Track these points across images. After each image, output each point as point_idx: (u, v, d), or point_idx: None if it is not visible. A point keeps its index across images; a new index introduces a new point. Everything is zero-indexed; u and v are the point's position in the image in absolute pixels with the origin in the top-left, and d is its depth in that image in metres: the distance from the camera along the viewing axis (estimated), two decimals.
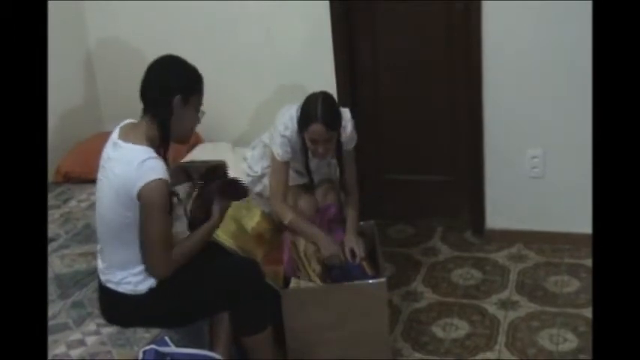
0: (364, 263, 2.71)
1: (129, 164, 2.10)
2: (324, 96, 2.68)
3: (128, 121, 2.27)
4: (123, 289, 2.24)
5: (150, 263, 2.19)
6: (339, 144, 2.78)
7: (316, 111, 2.60)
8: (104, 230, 2.26)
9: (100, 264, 2.32)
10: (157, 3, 3.62)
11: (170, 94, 2.16)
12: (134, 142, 2.15)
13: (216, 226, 2.36)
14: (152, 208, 2.11)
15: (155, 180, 2.08)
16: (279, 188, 2.77)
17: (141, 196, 2.10)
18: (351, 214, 2.85)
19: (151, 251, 2.17)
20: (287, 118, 2.75)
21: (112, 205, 2.16)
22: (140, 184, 2.08)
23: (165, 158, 2.19)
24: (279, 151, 2.75)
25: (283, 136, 2.74)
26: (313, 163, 2.88)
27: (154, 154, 2.13)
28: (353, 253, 2.71)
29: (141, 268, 2.23)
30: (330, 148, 2.70)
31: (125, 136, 2.19)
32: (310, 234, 2.72)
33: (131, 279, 2.23)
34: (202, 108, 2.27)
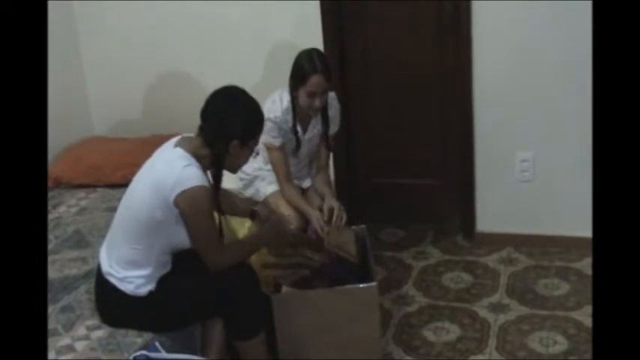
0: (348, 250, 2.71)
1: (170, 164, 2.17)
2: (317, 51, 2.78)
3: (187, 135, 2.31)
4: (124, 287, 2.24)
5: (208, 264, 2.24)
6: (326, 125, 2.85)
7: (314, 64, 2.69)
8: (126, 223, 2.26)
9: (104, 257, 2.31)
10: (149, 5, 3.61)
11: (228, 139, 2.22)
12: (182, 149, 2.21)
13: (269, 235, 2.49)
14: (198, 214, 2.16)
15: (195, 187, 2.13)
16: (282, 172, 2.84)
17: (180, 202, 2.13)
18: (326, 183, 2.94)
19: (206, 254, 2.23)
20: (268, 102, 2.80)
21: (143, 198, 2.19)
22: (178, 189, 2.12)
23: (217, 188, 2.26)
24: (268, 139, 2.80)
25: (267, 119, 2.77)
26: (303, 155, 2.94)
27: (196, 162, 2.19)
28: (331, 215, 2.77)
29: (147, 271, 2.23)
30: (323, 100, 2.76)
31: (179, 143, 2.25)
32: (303, 209, 2.81)
33: (134, 280, 2.23)
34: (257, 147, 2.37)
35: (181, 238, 2.21)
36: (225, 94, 2.28)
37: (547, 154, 3.29)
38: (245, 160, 2.35)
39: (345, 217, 2.80)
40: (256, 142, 2.33)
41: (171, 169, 2.15)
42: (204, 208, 2.17)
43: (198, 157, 2.21)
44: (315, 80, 2.68)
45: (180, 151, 2.20)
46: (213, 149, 2.22)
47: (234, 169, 2.36)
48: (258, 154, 2.36)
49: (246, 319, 2.31)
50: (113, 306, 2.29)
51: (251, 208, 2.63)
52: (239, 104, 2.26)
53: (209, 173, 2.26)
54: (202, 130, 2.26)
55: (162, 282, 2.26)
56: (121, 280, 2.24)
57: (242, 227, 2.81)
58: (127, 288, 2.23)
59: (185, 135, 2.31)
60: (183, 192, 2.12)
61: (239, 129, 2.23)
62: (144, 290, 2.24)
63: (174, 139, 2.29)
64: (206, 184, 2.18)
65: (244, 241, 2.47)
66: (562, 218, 3.35)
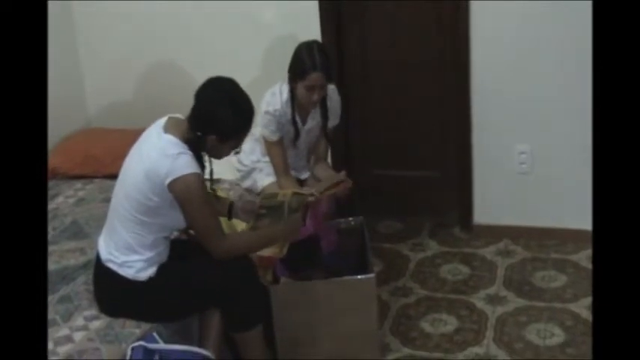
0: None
1: (163, 151, 2.17)
2: (319, 45, 2.75)
3: (176, 115, 2.31)
4: (124, 272, 2.24)
5: (209, 249, 2.26)
6: (325, 117, 2.85)
7: (314, 59, 2.66)
8: (122, 210, 2.25)
9: (102, 245, 2.31)
10: (146, 2, 3.59)
11: (206, 132, 2.21)
12: (173, 135, 2.21)
13: (283, 235, 2.45)
14: (192, 202, 2.19)
15: (188, 175, 2.15)
16: (279, 165, 2.84)
17: (174, 189, 2.16)
18: (327, 168, 2.96)
19: (204, 240, 2.26)
20: (268, 95, 2.80)
21: (139, 184, 2.20)
22: (172, 176, 2.15)
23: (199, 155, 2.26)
24: (266, 132, 2.80)
25: (266, 112, 2.77)
26: (302, 146, 2.94)
27: (188, 151, 2.20)
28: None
29: (146, 255, 2.24)
30: (322, 95, 2.75)
31: (167, 127, 2.24)
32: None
33: (134, 264, 2.24)
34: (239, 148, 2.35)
35: (177, 220, 2.24)
36: (219, 86, 2.26)
37: (545, 146, 3.30)
38: (222, 155, 2.33)
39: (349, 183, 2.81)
40: (237, 144, 2.31)
41: (164, 157, 2.16)
42: (197, 194, 2.18)
43: (185, 140, 2.21)
44: (314, 77, 2.67)
45: (170, 137, 2.20)
46: (192, 135, 2.22)
47: (215, 157, 2.34)
48: (238, 152, 2.35)
49: (244, 311, 2.31)
50: (112, 293, 2.30)
51: (229, 203, 2.58)
52: (228, 103, 2.23)
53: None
54: (192, 112, 2.26)
55: (163, 269, 2.27)
56: (121, 265, 2.25)
57: (241, 224, 2.81)
58: (128, 273, 2.24)
59: (172, 116, 2.30)
60: (176, 180, 2.14)
61: (220, 127, 2.22)
62: (144, 275, 2.24)
63: (162, 121, 2.28)
64: (198, 171, 2.19)
65: (254, 233, 2.45)
66: (559, 210, 3.36)
